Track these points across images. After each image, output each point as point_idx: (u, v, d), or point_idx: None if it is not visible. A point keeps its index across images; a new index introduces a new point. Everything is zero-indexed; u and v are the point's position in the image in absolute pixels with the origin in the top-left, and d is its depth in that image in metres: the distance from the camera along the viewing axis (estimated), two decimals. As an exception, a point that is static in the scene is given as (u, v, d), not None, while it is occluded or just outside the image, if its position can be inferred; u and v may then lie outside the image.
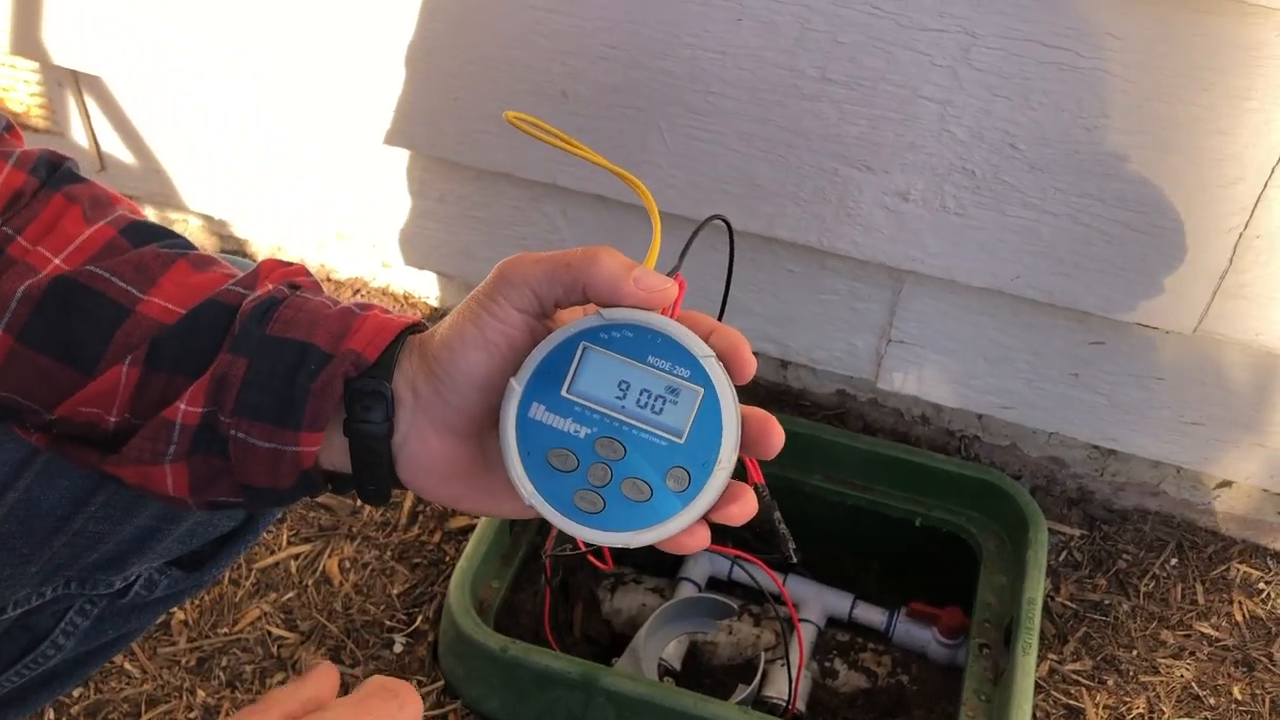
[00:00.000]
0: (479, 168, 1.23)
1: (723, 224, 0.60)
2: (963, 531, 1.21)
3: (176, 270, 0.59)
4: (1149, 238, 1.03)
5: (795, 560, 0.81)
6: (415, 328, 0.58)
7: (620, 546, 0.52)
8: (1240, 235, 1.00)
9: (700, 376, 0.52)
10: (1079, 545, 1.25)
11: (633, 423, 0.52)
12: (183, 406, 0.55)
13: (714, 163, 1.12)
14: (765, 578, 1.26)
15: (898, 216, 1.09)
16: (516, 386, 0.53)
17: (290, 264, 0.62)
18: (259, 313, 0.57)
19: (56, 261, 0.59)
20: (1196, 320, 1.05)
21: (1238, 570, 1.23)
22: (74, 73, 1.36)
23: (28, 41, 1.30)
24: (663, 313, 0.53)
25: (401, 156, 1.29)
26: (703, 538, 0.54)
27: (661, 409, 0.52)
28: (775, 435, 0.53)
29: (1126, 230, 1.03)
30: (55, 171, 0.62)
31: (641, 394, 0.52)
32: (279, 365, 0.55)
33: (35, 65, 1.38)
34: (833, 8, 1.00)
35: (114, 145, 1.42)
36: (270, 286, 0.59)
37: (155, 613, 0.76)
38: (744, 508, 0.53)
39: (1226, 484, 1.23)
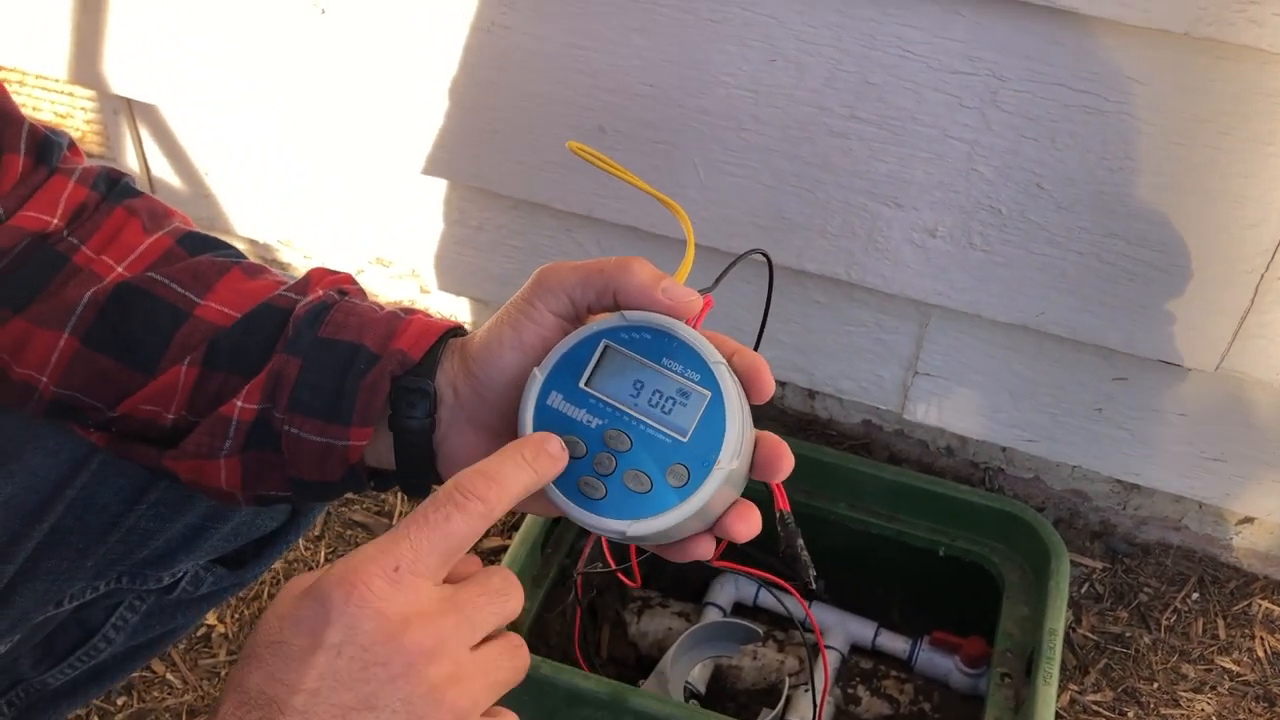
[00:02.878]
0: (517, 198, 1.26)
1: (763, 257, 0.64)
2: (986, 562, 1.22)
3: (231, 277, 0.64)
4: (1172, 277, 1.05)
5: (815, 587, 0.83)
6: (456, 331, 0.62)
7: (616, 534, 0.55)
8: (1262, 276, 1.02)
9: (709, 381, 0.55)
10: (1101, 578, 1.27)
11: (642, 419, 0.55)
12: (239, 404, 0.59)
13: (745, 196, 1.15)
14: (791, 603, 1.28)
15: (925, 252, 1.11)
16: (539, 375, 0.56)
17: (337, 273, 0.66)
18: (311, 316, 0.60)
19: (119, 269, 0.63)
20: (1218, 358, 1.07)
21: (1259, 606, 1.24)
22: (129, 101, 1.40)
23: (86, 70, 1.35)
24: (685, 323, 0.56)
25: (441, 185, 1.33)
26: (706, 548, 0.57)
27: (671, 409, 0.55)
28: (785, 459, 0.56)
29: (1150, 269, 1.05)
30: (114, 186, 0.67)
31: (654, 394, 0.55)
32: (330, 365, 0.59)
33: (92, 93, 1.43)
34: (863, 49, 1.03)
35: (164, 170, 1.47)
36: (320, 292, 0.63)
37: (200, 610, 0.79)
38: (749, 526, 0.56)
39: (1248, 520, 1.25)
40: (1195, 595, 1.25)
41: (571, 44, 1.11)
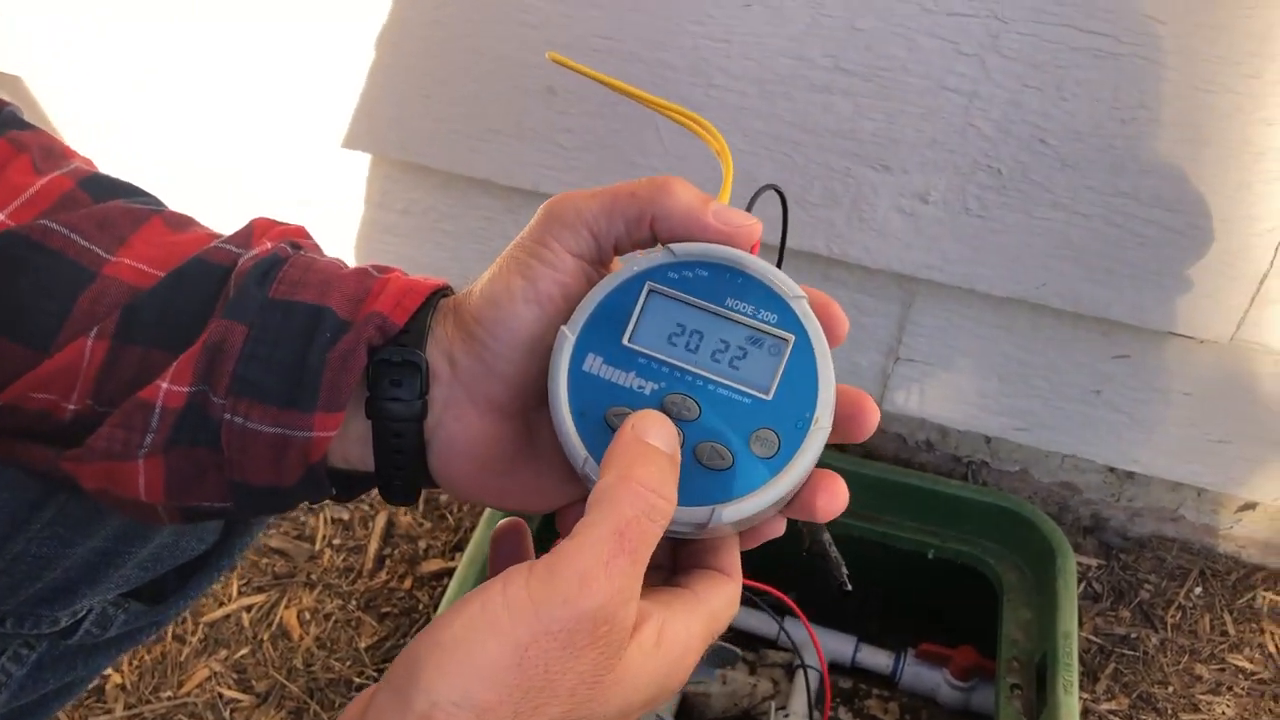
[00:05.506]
0: (451, 172, 1.12)
1: (776, 193, 0.56)
2: (980, 563, 1.12)
3: (150, 228, 0.50)
4: (1186, 239, 0.96)
5: (849, 588, 0.72)
6: (444, 291, 0.49)
7: (694, 527, 0.44)
8: (1284, 235, 0.94)
9: (790, 322, 0.45)
10: (1097, 575, 1.17)
11: (708, 376, 0.45)
12: (164, 385, 0.45)
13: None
14: (761, 621, 1.17)
15: (915, 220, 1.01)
16: (569, 334, 0.45)
17: (287, 224, 0.52)
18: (259, 272, 0.47)
19: (1, 217, 0.48)
20: (1233, 328, 0.99)
21: (1264, 598, 1.16)
22: (-10, 73, 1.23)
23: (-62, 36, 1.16)
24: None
25: (362, 163, 1.18)
26: (778, 525, 0.46)
27: (741, 362, 0.45)
28: (870, 414, 0.45)
29: (1163, 231, 0.96)
30: None
31: (719, 344, 0.45)
32: (286, 333, 0.46)
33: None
34: (848, -8, 0.92)
35: (33, 156, 1.29)
36: (269, 244, 0.49)
37: (108, 657, 0.63)
38: (836, 500, 0.45)
39: (1250, 506, 1.17)
40: (1198, 590, 1.16)
41: (517, -10, 0.99)
